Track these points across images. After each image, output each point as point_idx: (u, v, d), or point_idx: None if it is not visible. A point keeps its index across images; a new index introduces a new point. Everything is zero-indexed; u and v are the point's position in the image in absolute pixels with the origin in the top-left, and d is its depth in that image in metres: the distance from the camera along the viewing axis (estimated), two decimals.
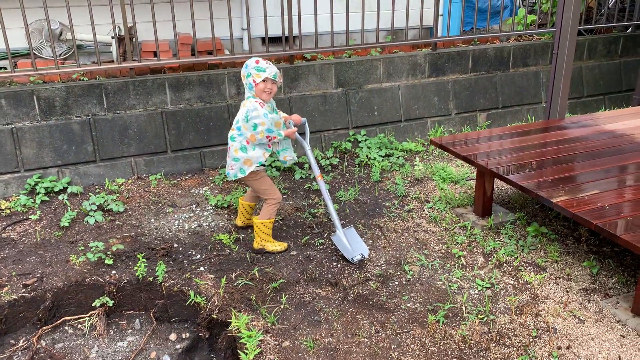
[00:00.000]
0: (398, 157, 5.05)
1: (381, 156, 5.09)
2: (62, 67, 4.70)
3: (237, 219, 3.91)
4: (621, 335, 2.73)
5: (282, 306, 3.05)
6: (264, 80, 3.35)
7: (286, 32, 5.10)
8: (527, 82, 6.04)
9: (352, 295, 3.17)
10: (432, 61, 5.65)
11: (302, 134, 3.68)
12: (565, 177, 3.31)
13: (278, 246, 3.61)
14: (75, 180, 4.55)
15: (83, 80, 4.74)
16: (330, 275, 3.34)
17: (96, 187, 4.51)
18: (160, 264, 3.35)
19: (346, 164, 5.03)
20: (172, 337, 3.19)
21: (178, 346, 3.14)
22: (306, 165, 4.90)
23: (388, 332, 2.85)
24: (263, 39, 6.31)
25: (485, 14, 6.68)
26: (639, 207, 2.93)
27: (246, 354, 2.63)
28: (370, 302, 3.10)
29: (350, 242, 3.49)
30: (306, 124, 3.72)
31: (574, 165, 3.49)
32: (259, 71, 3.36)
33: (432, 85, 5.69)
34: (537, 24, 6.48)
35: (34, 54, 5.10)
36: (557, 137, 3.99)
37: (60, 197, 4.28)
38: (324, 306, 3.07)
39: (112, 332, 3.21)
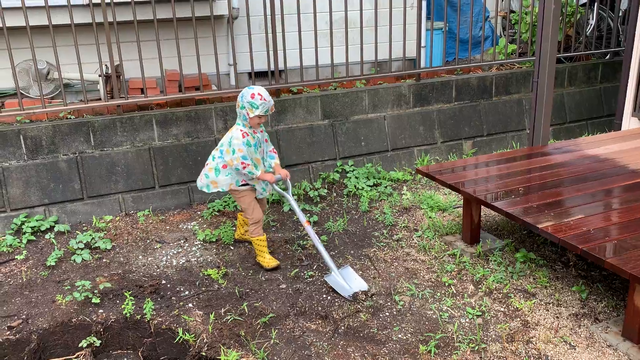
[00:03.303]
0: (386, 187, 5.07)
1: (369, 186, 5.11)
2: (49, 105, 4.73)
3: (235, 232, 4.18)
4: None
5: (272, 341, 3.02)
6: (257, 116, 3.57)
7: (272, 67, 5.17)
8: (510, 109, 6.14)
9: (342, 327, 3.14)
10: (416, 91, 5.74)
11: (285, 189, 3.87)
12: (550, 203, 3.34)
13: (266, 262, 3.75)
14: (62, 218, 4.52)
15: (70, 118, 4.76)
16: (320, 308, 3.31)
17: (84, 225, 4.48)
18: (147, 301, 3.31)
19: (335, 194, 5.05)
20: None
21: None
22: (293, 197, 4.90)
23: None
24: (250, 74, 6.39)
25: (467, 44, 6.82)
26: (625, 231, 2.95)
27: None
28: (361, 334, 3.07)
29: (348, 281, 3.49)
30: (288, 178, 3.84)
31: (559, 190, 3.53)
32: (252, 107, 3.57)
33: (417, 115, 5.76)
34: (517, 53, 6.64)
35: (21, 93, 5.12)
36: (541, 163, 4.04)
37: (47, 236, 4.24)
38: (314, 340, 3.04)
39: None
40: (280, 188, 3.83)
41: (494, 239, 3.92)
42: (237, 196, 3.81)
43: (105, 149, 4.66)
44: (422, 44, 6.97)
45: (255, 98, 3.55)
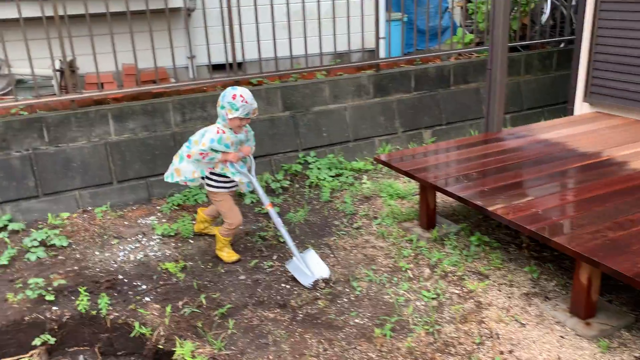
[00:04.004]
0: (348, 177, 5.10)
1: (331, 176, 5.13)
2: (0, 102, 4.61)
3: (195, 226, 4.13)
4: (560, 336, 2.80)
5: (230, 331, 3.02)
6: (238, 118, 3.44)
7: (230, 59, 5.14)
8: (468, 98, 6.24)
9: (300, 315, 3.16)
10: (376, 82, 5.78)
11: (249, 169, 3.75)
12: (502, 186, 3.41)
13: (226, 256, 3.74)
14: (16, 217, 4.42)
15: (23, 114, 4.65)
16: (279, 297, 3.33)
17: (39, 222, 4.39)
18: (103, 296, 3.27)
19: (297, 185, 5.05)
20: None
21: None
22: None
23: (336, 349, 2.85)
24: (213, 66, 6.34)
25: (428, 35, 6.88)
26: (571, 211, 3.04)
27: None
28: (319, 321, 3.10)
29: (310, 266, 3.49)
30: (250, 155, 3.74)
31: (511, 174, 3.61)
32: (232, 108, 3.43)
33: (378, 106, 5.81)
34: (475, 43, 6.75)
35: None
36: (494, 149, 4.12)
37: (0, 235, 4.14)
38: (272, 328, 3.05)
39: None
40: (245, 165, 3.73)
41: (451, 224, 3.99)
42: (216, 200, 3.68)
43: (60, 145, 4.57)
44: (382, 35, 7.03)
45: (237, 99, 3.40)
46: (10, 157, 4.42)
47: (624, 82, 4.67)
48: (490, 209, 3.09)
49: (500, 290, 3.23)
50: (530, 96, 6.63)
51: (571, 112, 5.23)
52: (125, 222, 4.41)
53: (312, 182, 5.02)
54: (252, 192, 4.87)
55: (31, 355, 3.10)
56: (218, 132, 3.47)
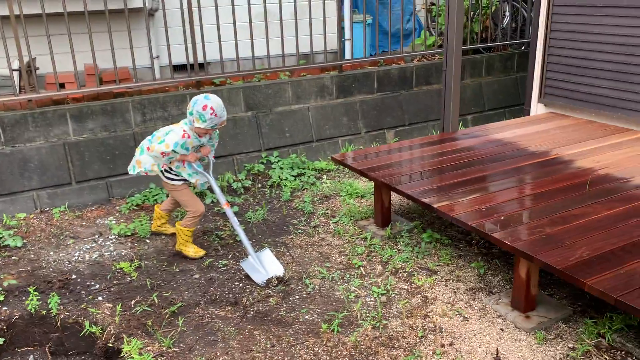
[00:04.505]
0: (309, 177, 5.15)
1: (293, 176, 5.18)
2: None
3: (152, 224, 4.13)
4: (500, 329, 2.89)
5: (179, 329, 3.04)
6: (204, 128, 3.45)
7: (191, 59, 5.16)
8: (430, 99, 6.34)
9: (251, 312, 3.20)
10: (339, 83, 5.84)
11: (207, 165, 3.78)
12: (450, 184, 3.50)
13: (193, 251, 3.76)
14: None
15: None
16: (231, 295, 3.36)
17: (4, 221, 4.35)
18: (53, 295, 3.27)
19: (259, 185, 5.09)
20: None
21: None
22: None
23: (283, 345, 2.89)
24: (175, 67, 6.34)
25: (394, 37, 6.97)
26: (512, 207, 3.13)
27: None
28: (269, 318, 3.14)
29: (265, 265, 3.53)
30: (210, 155, 3.77)
31: (461, 172, 3.70)
32: (200, 119, 3.42)
33: (341, 106, 5.87)
34: (437, 44, 6.86)
35: None
36: (448, 148, 4.21)
37: None
38: (222, 326, 3.08)
39: None
40: (203, 164, 3.76)
41: (405, 222, 4.07)
42: (175, 192, 3.71)
43: (16, 145, 4.54)
44: (347, 36, 7.11)
45: (206, 111, 3.37)
46: None
47: (576, 84, 4.80)
48: (435, 205, 3.17)
49: (447, 286, 3.31)
50: (492, 97, 6.76)
51: (528, 113, 5.36)
52: (83, 223, 4.39)
53: (274, 181, 5.06)
54: (210, 190, 4.91)
55: None
56: (184, 137, 3.47)
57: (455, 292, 3.24)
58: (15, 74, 4.91)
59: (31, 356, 3.18)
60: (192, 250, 3.76)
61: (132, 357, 2.73)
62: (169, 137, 3.47)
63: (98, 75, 4.93)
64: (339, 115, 5.85)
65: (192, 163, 3.62)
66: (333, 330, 2.97)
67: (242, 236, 3.59)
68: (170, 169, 3.62)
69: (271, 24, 5.58)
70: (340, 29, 5.85)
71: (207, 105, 3.40)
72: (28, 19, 4.60)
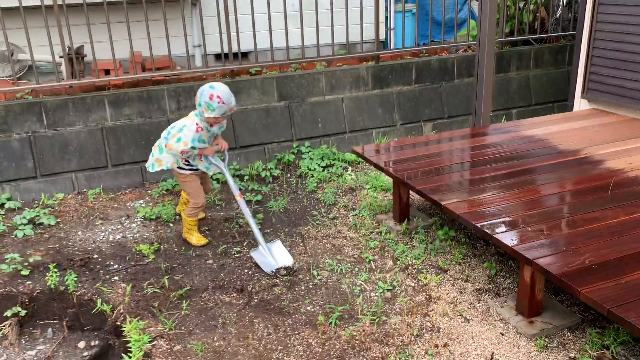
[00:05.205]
0: (338, 168, 5.14)
1: (322, 167, 5.18)
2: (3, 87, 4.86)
3: (177, 207, 4.27)
4: (500, 333, 2.79)
5: (183, 312, 3.13)
6: (214, 117, 3.52)
7: (226, 49, 5.25)
8: (472, 91, 6.13)
9: (255, 300, 3.24)
10: (375, 74, 5.77)
11: (222, 159, 3.87)
12: (464, 181, 3.39)
13: (195, 239, 3.85)
14: (15, 196, 4.66)
15: (27, 99, 4.88)
16: (238, 282, 3.42)
17: (36, 202, 4.62)
18: (70, 273, 3.44)
19: (288, 175, 5.13)
20: (81, 344, 3.27)
21: (86, 353, 3.22)
22: (246, 177, 5.00)
23: (279, 334, 2.92)
24: (216, 55, 6.47)
25: (445, 26, 6.75)
26: (523, 209, 3.00)
27: (130, 357, 2.71)
28: (272, 307, 3.17)
29: (274, 256, 3.57)
30: (226, 149, 3.84)
31: (478, 169, 3.58)
32: (208, 108, 3.48)
33: (376, 97, 5.80)
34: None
35: None
36: (473, 144, 4.08)
37: None
38: (224, 311, 3.14)
39: (23, 342, 3.30)
40: (220, 159, 3.85)
41: (424, 218, 3.99)
42: (182, 180, 3.82)
43: (58, 129, 4.78)
44: (392, 26, 7.00)
45: (213, 100, 3.42)
46: (11, 139, 4.65)
47: (621, 79, 4.52)
48: (443, 203, 3.09)
49: (454, 285, 3.22)
50: (540, 91, 6.47)
51: (571, 108, 5.10)
52: (115, 205, 4.59)
53: (302, 172, 5.08)
54: (242, 177, 5.00)
55: (2, 326, 3.29)
56: (197, 130, 3.55)
57: (461, 292, 3.16)
58: (62, 61, 5.18)
59: (50, 329, 3.38)
60: (195, 239, 3.86)
61: (131, 337, 2.84)
62: (184, 133, 3.53)
63: (137, 62, 5.11)
64: (373, 107, 5.78)
65: (209, 156, 3.71)
66: (331, 323, 2.96)
67: (254, 227, 3.64)
68: (187, 161, 3.71)
69: (308, 13, 5.58)
70: (377, 18, 5.75)
71: (213, 95, 3.45)
72: (73, 8, 4.82)
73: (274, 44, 5.38)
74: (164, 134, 3.78)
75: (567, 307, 2.94)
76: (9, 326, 3.30)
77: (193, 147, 3.56)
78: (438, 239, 3.68)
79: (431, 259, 3.51)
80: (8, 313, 3.29)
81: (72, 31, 4.75)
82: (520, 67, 6.39)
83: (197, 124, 3.57)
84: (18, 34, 4.79)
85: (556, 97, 6.53)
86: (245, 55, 5.89)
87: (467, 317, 2.93)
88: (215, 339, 2.92)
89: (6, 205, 4.46)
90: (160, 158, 3.76)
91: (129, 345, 2.84)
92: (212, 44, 5.58)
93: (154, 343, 2.88)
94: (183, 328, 3.01)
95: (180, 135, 3.55)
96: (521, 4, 6.52)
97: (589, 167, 3.52)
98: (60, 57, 5.20)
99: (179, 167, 3.75)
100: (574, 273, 2.35)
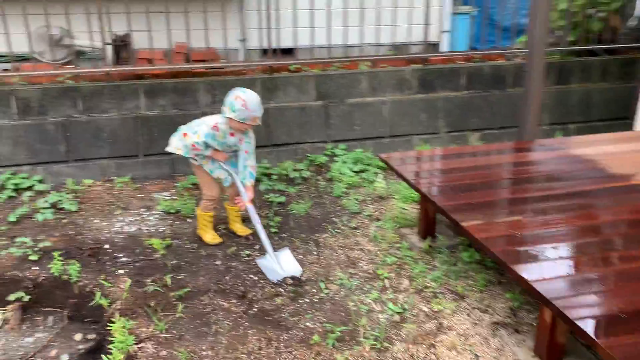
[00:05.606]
0: (370, 174, 4.89)
1: (354, 172, 4.95)
2: (39, 70, 4.94)
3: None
4: None
5: (178, 315, 3.00)
6: (236, 120, 3.40)
7: (265, 44, 5.11)
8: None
9: (255, 309, 3.07)
10: (421, 77, 5.47)
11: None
12: (492, 201, 3.08)
13: (209, 237, 3.73)
14: (46, 178, 4.71)
15: (68, 83, 4.93)
16: (241, 288, 3.26)
17: (65, 186, 4.64)
18: (74, 263, 3.39)
19: (319, 177, 4.93)
20: (78, 337, 3.19)
21: (81, 346, 3.14)
22: (274, 177, 4.85)
23: (270, 350, 2.73)
24: (264, 50, 6.36)
25: (507, 32, 6.34)
26: (553, 239, 2.66)
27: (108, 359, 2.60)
28: (270, 318, 2.99)
29: (282, 264, 3.40)
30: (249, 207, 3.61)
31: (511, 189, 3.25)
32: (230, 109, 3.40)
33: (421, 102, 5.50)
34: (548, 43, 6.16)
35: (35, 58, 5.37)
36: (514, 160, 3.73)
37: (26, 194, 4.43)
38: (220, 318, 2.99)
39: (24, 327, 3.27)
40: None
41: (452, 236, 3.68)
42: (196, 170, 3.77)
43: (92, 115, 4.80)
44: (448, 28, 6.66)
45: (237, 101, 3.33)
46: (46, 122, 4.70)
47: None
48: (463, 224, 2.79)
49: (469, 315, 2.92)
50: (603, 106, 5.96)
51: (632, 128, 4.62)
52: (140, 195, 4.54)
53: (333, 175, 4.87)
54: (270, 176, 4.84)
55: (5, 310, 3.28)
56: (214, 128, 3.47)
57: (476, 323, 2.85)
58: (108, 48, 5.20)
59: (51, 317, 3.33)
60: (210, 237, 3.74)
61: (115, 338, 2.73)
62: (201, 127, 3.48)
63: (180, 53, 5.06)
64: (417, 112, 5.49)
65: (218, 160, 3.58)
66: (328, 344, 2.74)
67: (262, 234, 3.48)
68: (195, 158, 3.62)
69: (354, 11, 5.35)
70: (427, 19, 5.44)
71: (239, 97, 3.37)
72: None
73: (316, 41, 5.20)
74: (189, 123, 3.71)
75: (593, 354, 2.59)
76: (11, 310, 3.28)
77: (206, 144, 3.44)
78: (462, 261, 3.37)
79: (451, 283, 3.21)
80: (11, 297, 3.27)
81: (122, 19, 4.74)
82: (582, 79, 5.91)
83: (216, 123, 3.49)
84: (66, 20, 4.83)
85: (620, 114, 5.98)
86: (290, 52, 5.74)
87: (477, 354, 2.63)
88: (204, 348, 2.76)
89: (35, 187, 4.50)
90: (173, 139, 3.71)
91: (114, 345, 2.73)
92: (254, 38, 5.46)
93: (141, 345, 2.76)
94: (174, 332, 2.88)
95: (198, 129, 3.52)
96: (591, 11, 6.01)
97: (639, 195, 3.12)
98: (106, 43, 5.22)
99: (193, 158, 3.66)
100: (596, 321, 2.03)
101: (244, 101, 3.35)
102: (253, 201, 3.61)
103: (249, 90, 3.45)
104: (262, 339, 2.82)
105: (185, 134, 3.60)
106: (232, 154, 3.68)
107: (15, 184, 4.50)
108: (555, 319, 2.39)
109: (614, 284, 2.26)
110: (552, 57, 6.01)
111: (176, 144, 3.64)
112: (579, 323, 2.00)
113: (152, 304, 3.08)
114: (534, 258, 2.48)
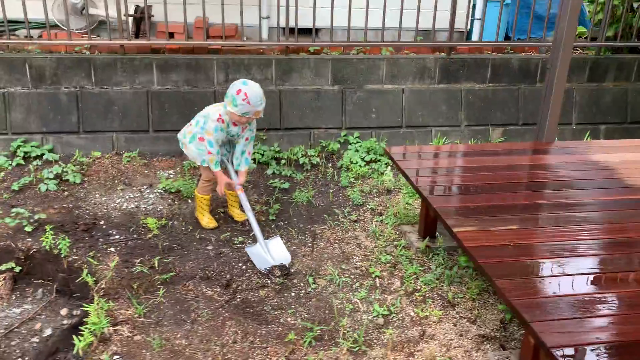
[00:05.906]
0: (381, 165, 4.74)
1: (365, 161, 4.81)
2: (54, 40, 4.93)
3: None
4: None
5: (159, 299, 2.96)
6: (236, 114, 3.32)
7: (282, 23, 4.97)
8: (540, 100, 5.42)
9: (238, 299, 3.01)
10: (443, 66, 5.25)
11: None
12: (493, 206, 2.90)
13: (205, 221, 3.68)
14: (57, 148, 4.73)
15: (85, 54, 4.91)
16: (228, 276, 3.20)
17: (73, 157, 4.65)
18: (63, 238, 3.38)
19: (330, 164, 4.81)
20: (64, 312, 3.20)
21: (65, 322, 3.14)
22: (282, 162, 4.75)
23: (245, 344, 2.67)
24: (282, 29, 6.21)
25: (541, 22, 6.02)
26: (549, 252, 2.49)
27: (80, 341, 2.57)
28: (252, 310, 2.92)
29: (272, 253, 3.32)
30: (241, 192, 3.55)
31: (517, 194, 3.06)
32: (232, 102, 3.31)
33: (442, 92, 5.29)
34: (585, 37, 5.84)
35: (57, 26, 5.38)
36: (524, 162, 3.53)
37: (34, 163, 4.46)
38: (201, 306, 2.94)
39: (14, 298, 3.29)
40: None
41: (452, 238, 3.52)
42: None
43: (104, 87, 4.77)
44: (478, 16, 6.37)
45: (239, 95, 3.24)
46: (59, 91, 4.71)
47: None
48: (455, 229, 2.64)
49: (456, 325, 2.79)
50: (638, 108, 5.61)
51: None
52: (145, 171, 4.52)
53: (343, 163, 4.74)
54: (279, 161, 4.75)
55: None
56: (219, 120, 3.38)
57: (462, 334, 2.72)
58: (129, 20, 5.15)
59: (40, 290, 3.34)
60: (206, 220, 3.69)
61: (89, 320, 2.70)
62: (208, 125, 3.40)
63: (200, 28, 4.97)
64: (437, 102, 5.28)
65: (211, 141, 3.47)
66: (305, 342, 2.66)
67: (253, 222, 3.40)
68: None
69: None
70: (454, 5, 5.18)
71: (241, 90, 3.26)
72: None
73: (335, 23, 5.02)
74: (197, 120, 3.60)
75: None
76: (2, 280, 3.30)
77: (211, 145, 3.40)
78: (458, 265, 3.22)
79: (443, 288, 3.08)
80: (3, 267, 3.29)
81: None
82: (618, 78, 5.57)
83: (219, 115, 3.40)
84: None
85: None
86: (308, 32, 5.57)
87: None
88: (179, 336, 2.71)
89: (45, 157, 4.52)
90: (188, 146, 3.59)
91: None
92: (275, 16, 5.32)
93: (117, 328, 2.73)
94: (153, 317, 2.84)
95: (203, 126, 3.45)
96: (636, 4, 5.63)
97: None
98: (127, 15, 5.17)
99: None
100: (576, 350, 1.87)
101: (246, 95, 3.25)
102: (244, 187, 3.53)
103: (251, 82, 3.33)
104: (239, 331, 2.75)
105: (201, 139, 3.47)
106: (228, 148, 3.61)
107: (25, 152, 4.53)
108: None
109: (602, 311, 2.09)
110: (587, 53, 5.69)
111: (191, 149, 3.55)
112: (556, 352, 1.85)
113: (135, 286, 3.05)
114: (523, 274, 2.32)
